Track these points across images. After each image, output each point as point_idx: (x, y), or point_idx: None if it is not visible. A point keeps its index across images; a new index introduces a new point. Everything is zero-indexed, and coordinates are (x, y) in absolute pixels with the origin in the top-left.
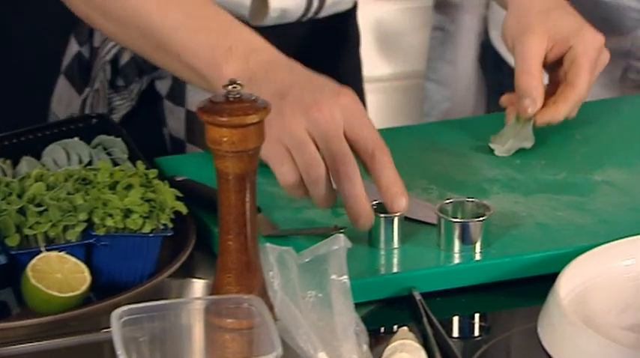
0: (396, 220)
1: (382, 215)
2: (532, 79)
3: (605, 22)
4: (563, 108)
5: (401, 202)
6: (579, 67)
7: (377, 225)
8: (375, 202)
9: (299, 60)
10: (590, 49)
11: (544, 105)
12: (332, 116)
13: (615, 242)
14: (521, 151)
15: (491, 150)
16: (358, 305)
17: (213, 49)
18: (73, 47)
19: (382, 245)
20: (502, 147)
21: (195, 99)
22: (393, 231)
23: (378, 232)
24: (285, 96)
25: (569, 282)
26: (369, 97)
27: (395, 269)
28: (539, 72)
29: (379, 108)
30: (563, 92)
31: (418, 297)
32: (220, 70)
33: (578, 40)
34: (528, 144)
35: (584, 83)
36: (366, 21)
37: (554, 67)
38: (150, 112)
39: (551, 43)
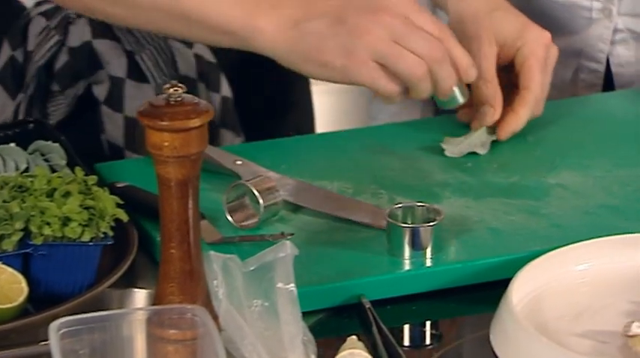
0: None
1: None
2: (489, 87)
3: (555, 21)
4: (523, 114)
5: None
6: (530, 69)
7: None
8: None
9: (243, 62)
10: (537, 48)
11: (503, 115)
12: (400, 13)
13: (569, 246)
14: (473, 154)
15: (442, 151)
16: (306, 314)
17: (242, 5)
18: (6, 51)
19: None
20: (454, 148)
21: (134, 104)
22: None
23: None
24: (345, 20)
25: (522, 288)
26: (316, 99)
27: (343, 277)
28: (494, 78)
29: (327, 110)
30: (519, 97)
31: (367, 305)
32: (255, 24)
33: (524, 41)
34: (482, 150)
35: (538, 84)
36: None
37: (505, 71)
38: (87, 118)
39: (498, 48)
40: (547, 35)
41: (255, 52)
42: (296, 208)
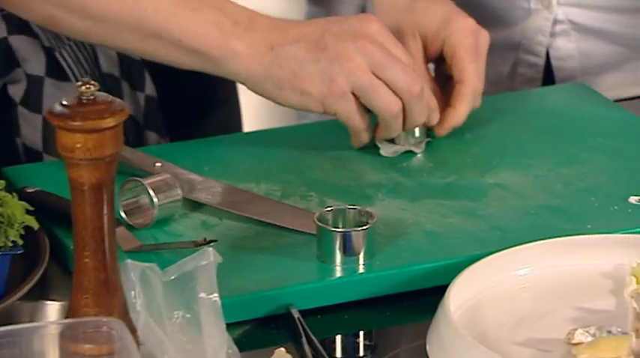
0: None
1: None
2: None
3: (492, 12)
4: (461, 109)
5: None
6: (460, 60)
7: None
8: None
9: (169, 67)
10: (464, 37)
11: (441, 111)
12: (378, 42)
13: (509, 250)
14: (408, 153)
15: (376, 150)
16: (230, 326)
17: (218, 27)
18: None
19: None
20: (389, 147)
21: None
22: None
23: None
24: (325, 46)
25: (460, 295)
26: (244, 96)
27: (271, 285)
28: (425, 75)
29: (253, 108)
30: (455, 92)
31: (296, 315)
32: (230, 47)
33: (450, 31)
34: (418, 149)
35: (471, 75)
36: None
37: (437, 64)
38: (1, 120)
39: (423, 41)
40: (471, 22)
41: (226, 76)
42: (220, 213)
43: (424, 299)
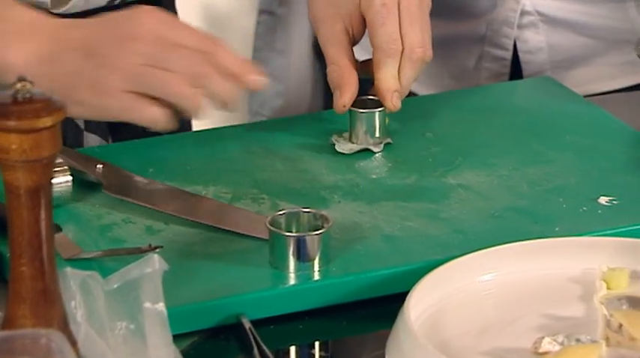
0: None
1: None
2: (333, 69)
3: (456, 3)
4: (380, 76)
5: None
6: (371, 24)
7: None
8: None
9: None
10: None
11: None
12: (153, 38)
13: (473, 254)
14: (364, 153)
15: (332, 150)
16: (177, 337)
17: None
18: None
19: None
20: (345, 145)
21: None
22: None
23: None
24: (94, 53)
25: (421, 302)
26: None
27: (220, 294)
28: (341, 59)
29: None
30: (373, 61)
31: (248, 325)
32: (5, 59)
33: (366, 3)
34: (377, 149)
35: (382, 40)
36: (188, 4)
37: None
38: None
39: (347, 20)
40: None
41: None
42: (166, 217)
43: (383, 308)
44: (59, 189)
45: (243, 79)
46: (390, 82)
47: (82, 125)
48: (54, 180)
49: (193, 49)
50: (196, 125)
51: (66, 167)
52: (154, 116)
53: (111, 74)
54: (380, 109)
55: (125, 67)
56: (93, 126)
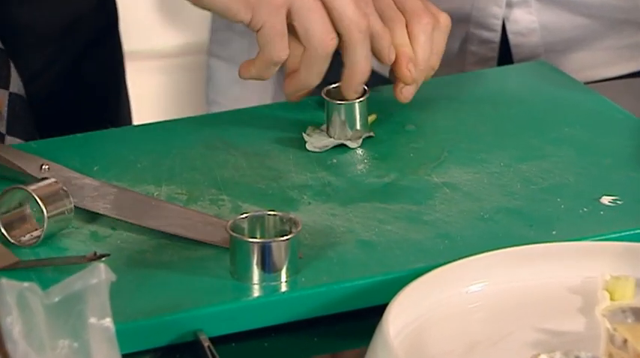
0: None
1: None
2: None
3: None
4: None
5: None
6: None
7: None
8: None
9: (42, 45)
10: None
11: None
12: None
13: (459, 261)
14: (340, 148)
15: (302, 144)
16: (128, 356)
17: None
18: None
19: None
20: (318, 141)
21: None
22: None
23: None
24: None
25: (401, 316)
26: (145, 79)
27: (175, 308)
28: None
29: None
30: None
31: (206, 343)
32: None
33: None
34: (354, 144)
35: (349, 15)
36: None
37: None
38: None
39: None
40: None
41: None
42: (113, 222)
43: (359, 322)
44: (62, 213)
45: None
46: (307, 81)
47: (3, 129)
48: (56, 207)
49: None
50: (144, 118)
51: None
52: (276, 60)
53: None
54: (361, 99)
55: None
56: (17, 127)
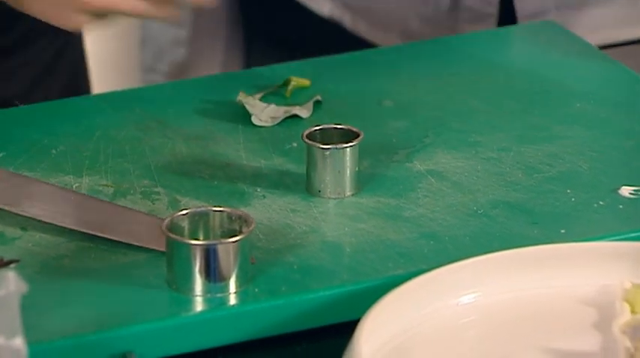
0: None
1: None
2: None
3: None
4: None
5: None
6: None
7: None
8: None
9: None
10: None
11: None
12: None
13: (448, 267)
14: (296, 128)
15: (249, 120)
16: None
17: None
18: None
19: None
20: (262, 112)
21: None
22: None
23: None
24: None
25: (377, 334)
26: None
27: (100, 325)
28: None
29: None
30: None
31: None
32: None
33: None
34: (304, 112)
35: None
36: None
37: None
38: None
39: None
40: None
41: None
42: (24, 221)
43: (325, 342)
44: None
45: None
46: None
47: None
48: None
49: None
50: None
51: None
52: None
53: None
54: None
55: None
56: None
